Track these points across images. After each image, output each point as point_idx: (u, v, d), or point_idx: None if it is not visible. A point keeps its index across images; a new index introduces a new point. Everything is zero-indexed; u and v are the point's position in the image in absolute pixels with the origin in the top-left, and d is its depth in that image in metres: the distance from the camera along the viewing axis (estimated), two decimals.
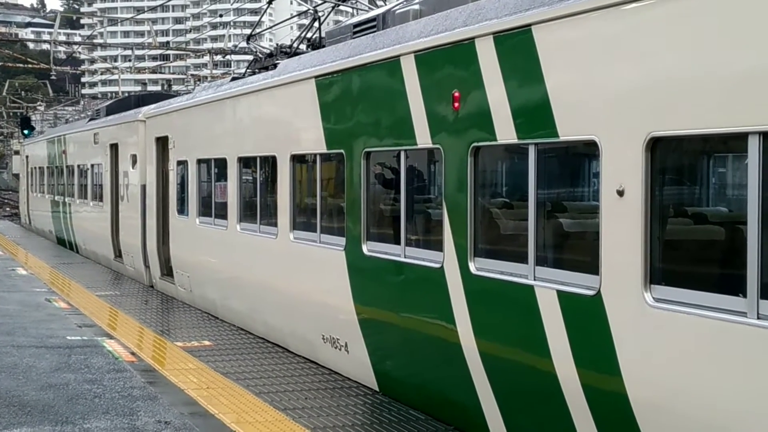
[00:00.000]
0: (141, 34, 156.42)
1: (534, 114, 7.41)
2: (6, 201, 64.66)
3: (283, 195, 12.38)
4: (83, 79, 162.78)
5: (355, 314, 10.40)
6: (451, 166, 8.55)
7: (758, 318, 5.52)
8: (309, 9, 16.07)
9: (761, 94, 5.41)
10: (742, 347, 5.58)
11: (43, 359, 11.62)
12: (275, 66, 13.71)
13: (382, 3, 17.94)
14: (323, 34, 13.64)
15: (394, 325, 9.67)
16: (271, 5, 18.53)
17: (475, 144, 8.20)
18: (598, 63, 6.76)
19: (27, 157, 39.55)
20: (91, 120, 27.36)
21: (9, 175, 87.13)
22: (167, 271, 18.52)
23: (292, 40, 15.41)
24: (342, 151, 10.69)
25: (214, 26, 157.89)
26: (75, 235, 28.10)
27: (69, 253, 27.61)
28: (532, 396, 7.58)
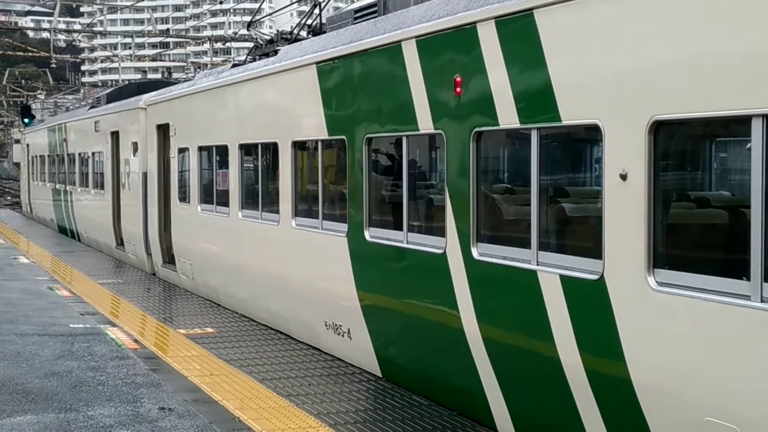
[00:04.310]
0: (141, 21, 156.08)
1: (536, 98, 7.39)
2: (7, 190, 64.67)
3: (285, 182, 12.37)
4: (83, 68, 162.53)
5: (358, 300, 10.40)
6: (453, 152, 8.53)
7: (761, 301, 5.52)
8: None
9: (765, 76, 5.39)
10: (745, 330, 5.58)
11: (47, 347, 11.63)
12: (276, 52, 13.68)
13: None
14: (324, 20, 13.60)
15: (396, 311, 9.67)
16: None
17: (477, 129, 8.18)
18: (600, 47, 6.73)
19: (28, 145, 39.51)
20: (91, 108, 27.32)
21: (10, 164, 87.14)
22: (169, 258, 18.52)
23: (292, 26, 15.37)
24: (343, 137, 10.67)
25: (214, 13, 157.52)
26: (76, 224, 28.10)
27: (71, 242, 27.61)
28: (535, 381, 7.58)
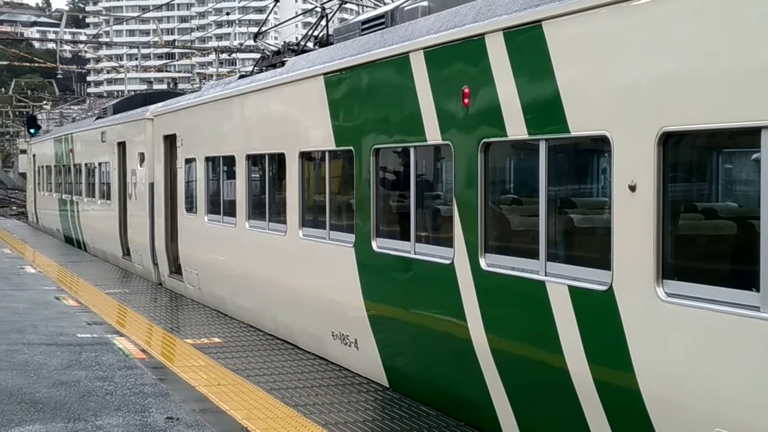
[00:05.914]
0: (147, 32, 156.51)
1: (545, 109, 7.41)
2: (13, 200, 64.80)
3: (292, 192, 12.39)
4: (89, 78, 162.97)
5: (365, 311, 10.41)
6: (461, 163, 8.55)
7: None
8: (316, 6, 16.07)
9: None
10: (755, 342, 5.58)
11: (54, 357, 11.65)
12: (283, 63, 13.72)
13: (389, 0, 17.94)
14: (331, 32, 13.65)
15: (403, 321, 9.68)
16: (277, 4, 18.54)
17: (486, 140, 8.20)
18: (609, 58, 6.75)
19: (34, 156, 39.63)
20: (98, 118, 27.40)
21: (16, 174, 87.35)
22: (176, 268, 18.55)
23: (297, 37, 15.43)
24: (351, 148, 10.70)
25: (220, 24, 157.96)
26: (83, 234, 28.16)
27: (77, 252, 27.66)
28: (543, 392, 7.58)
